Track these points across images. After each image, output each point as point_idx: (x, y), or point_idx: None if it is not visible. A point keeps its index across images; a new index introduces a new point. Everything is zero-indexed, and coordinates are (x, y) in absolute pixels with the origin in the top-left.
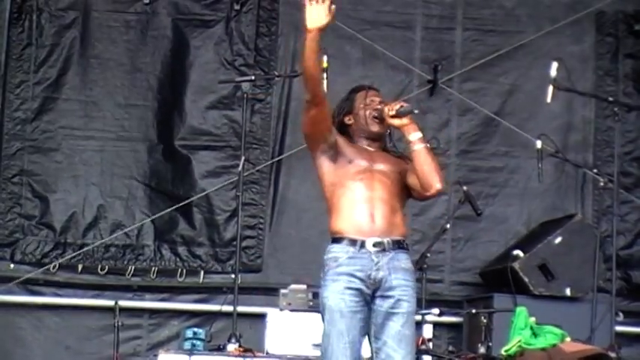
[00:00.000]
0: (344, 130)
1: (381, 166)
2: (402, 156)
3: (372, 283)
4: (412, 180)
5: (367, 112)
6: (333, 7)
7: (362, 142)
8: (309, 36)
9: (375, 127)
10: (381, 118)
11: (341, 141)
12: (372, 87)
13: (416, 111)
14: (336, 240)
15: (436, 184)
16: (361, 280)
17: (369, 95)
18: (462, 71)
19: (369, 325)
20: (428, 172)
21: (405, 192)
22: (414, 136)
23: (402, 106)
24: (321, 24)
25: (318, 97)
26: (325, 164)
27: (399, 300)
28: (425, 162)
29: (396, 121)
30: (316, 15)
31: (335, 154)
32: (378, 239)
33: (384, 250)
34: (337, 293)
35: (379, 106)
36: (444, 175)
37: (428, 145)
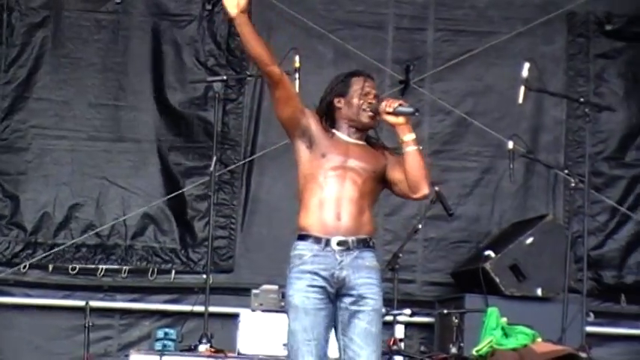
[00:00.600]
0: (330, 111)
1: (354, 163)
2: (383, 147)
3: (335, 282)
4: (397, 176)
5: (361, 102)
6: None
7: (344, 130)
8: (235, 23)
9: (365, 119)
10: (375, 113)
11: (315, 129)
12: (370, 75)
13: (416, 113)
14: (302, 237)
15: (424, 189)
16: (324, 278)
17: (367, 85)
18: (433, 71)
19: (335, 323)
20: (418, 176)
21: (379, 188)
22: (408, 137)
23: (400, 105)
24: (239, 7)
25: (273, 77)
26: (302, 150)
27: (363, 298)
28: (416, 165)
29: (391, 119)
30: (230, 1)
31: (309, 142)
32: (343, 238)
33: (348, 248)
34: (301, 291)
35: (374, 101)
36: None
37: (420, 147)
